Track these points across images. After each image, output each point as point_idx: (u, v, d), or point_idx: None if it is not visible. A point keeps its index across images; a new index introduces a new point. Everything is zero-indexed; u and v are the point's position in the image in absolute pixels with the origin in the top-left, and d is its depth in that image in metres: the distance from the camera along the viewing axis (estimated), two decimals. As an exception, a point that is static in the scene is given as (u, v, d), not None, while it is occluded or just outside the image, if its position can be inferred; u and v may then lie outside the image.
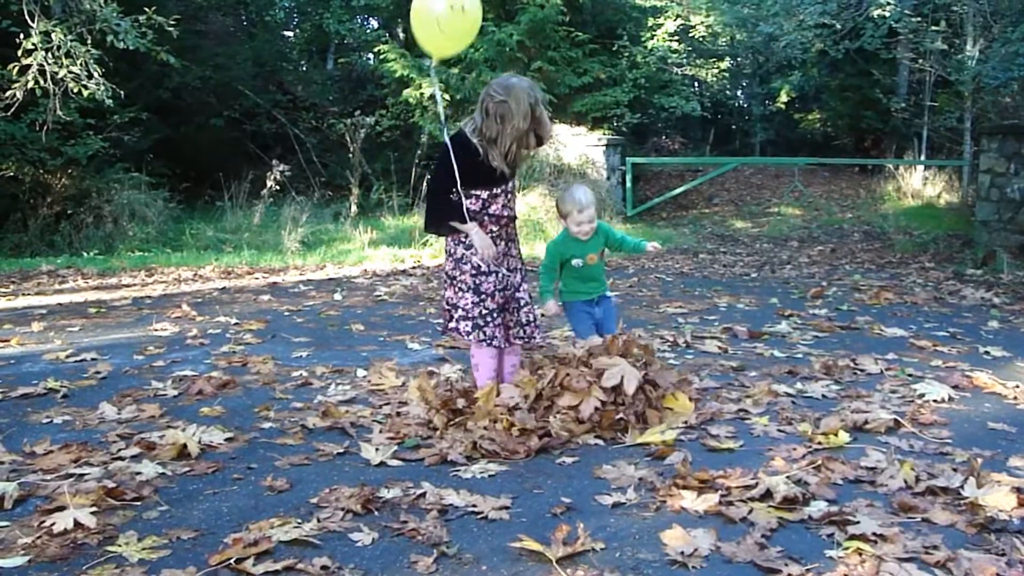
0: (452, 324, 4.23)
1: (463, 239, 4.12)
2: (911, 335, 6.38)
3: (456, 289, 4.18)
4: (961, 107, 15.18)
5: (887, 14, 12.32)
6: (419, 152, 16.49)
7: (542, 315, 4.71)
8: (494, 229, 4.15)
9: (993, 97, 12.95)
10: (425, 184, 4.22)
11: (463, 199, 4.07)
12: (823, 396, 4.60)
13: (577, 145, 15.18)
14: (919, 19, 14.50)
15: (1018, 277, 9.09)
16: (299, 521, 3.02)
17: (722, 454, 3.71)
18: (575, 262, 4.60)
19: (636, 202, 15.81)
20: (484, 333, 4.13)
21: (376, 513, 3.12)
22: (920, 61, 16.34)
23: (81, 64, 10.82)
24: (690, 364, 5.41)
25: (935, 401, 4.54)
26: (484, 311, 4.13)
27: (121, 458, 3.66)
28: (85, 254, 11.30)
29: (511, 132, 4.02)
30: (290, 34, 22.38)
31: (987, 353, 5.83)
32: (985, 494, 3.08)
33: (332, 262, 11.04)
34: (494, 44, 15.09)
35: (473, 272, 4.12)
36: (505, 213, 4.19)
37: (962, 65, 14.07)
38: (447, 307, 4.26)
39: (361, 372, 5.21)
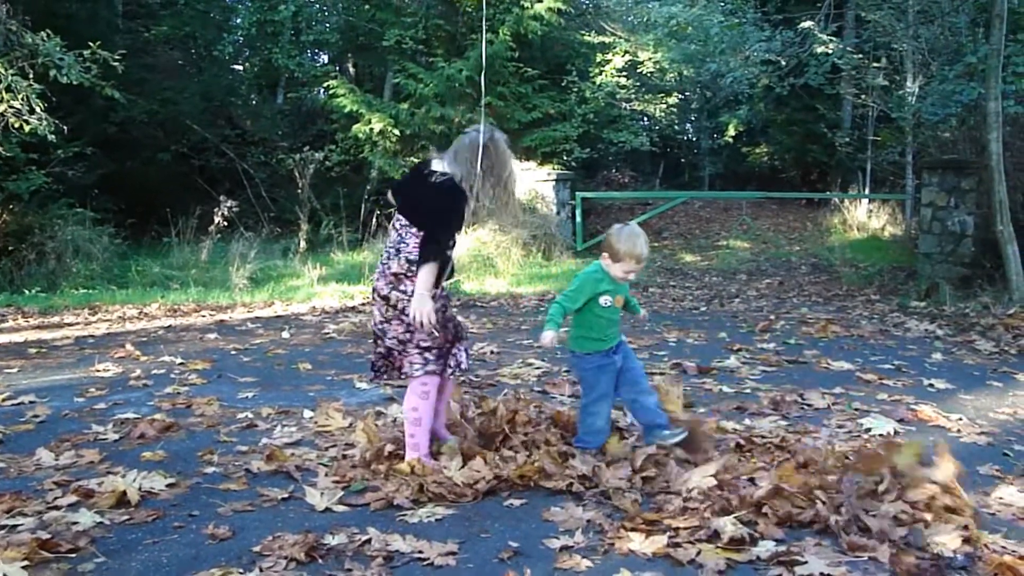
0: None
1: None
2: (857, 368, 6.46)
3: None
4: (903, 142, 15.50)
5: (830, 51, 12.57)
6: (368, 187, 16.46)
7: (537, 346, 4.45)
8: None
9: (933, 132, 13.25)
10: (433, 222, 3.71)
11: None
12: (771, 432, 4.61)
13: (527, 180, 15.24)
14: (861, 56, 14.84)
15: (960, 309, 9.26)
16: (241, 571, 2.96)
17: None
18: (604, 300, 4.08)
19: (586, 236, 15.89)
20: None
21: (320, 561, 3.06)
22: (863, 97, 16.69)
23: (23, 99, 10.66)
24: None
25: (881, 435, 4.59)
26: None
27: (57, 507, 3.55)
28: (26, 292, 11.06)
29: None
30: (239, 68, 22.27)
31: (931, 386, 5.91)
32: (932, 534, 3.10)
33: (280, 299, 10.93)
34: (444, 80, 15.15)
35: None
36: None
37: (903, 101, 14.40)
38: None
39: (308, 413, 5.13)
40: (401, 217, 4.02)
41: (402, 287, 3.92)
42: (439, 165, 4.04)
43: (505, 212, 4.18)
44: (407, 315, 3.86)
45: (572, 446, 4.07)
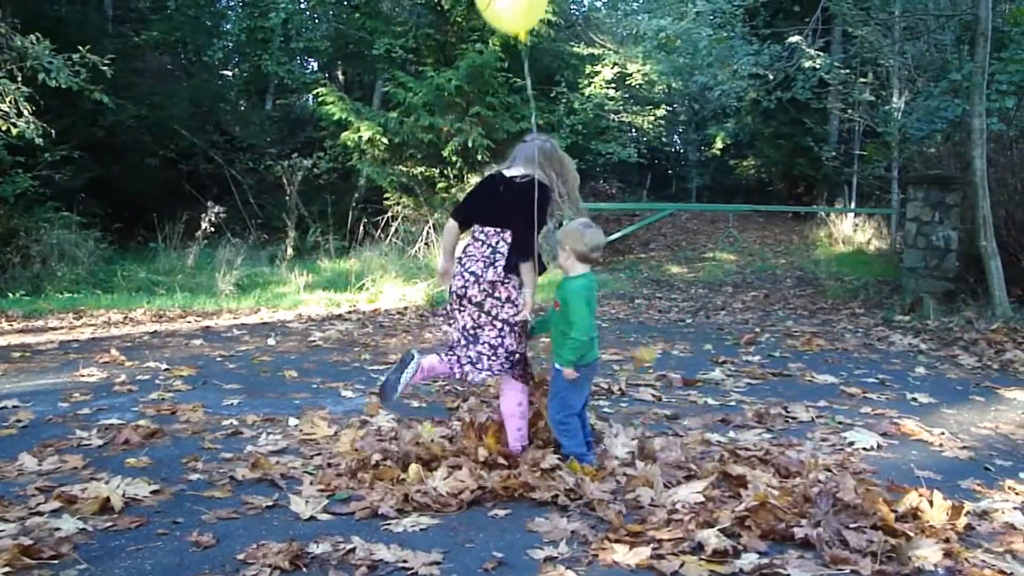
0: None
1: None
2: (841, 382, 6.49)
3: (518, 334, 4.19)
4: (888, 157, 15.62)
5: (817, 66, 12.66)
6: (357, 195, 16.46)
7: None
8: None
9: (918, 147, 13.36)
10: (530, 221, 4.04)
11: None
12: (755, 444, 4.63)
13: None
14: (848, 71, 14.95)
15: (943, 323, 9.32)
16: (224, 579, 2.95)
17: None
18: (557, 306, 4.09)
19: (574, 246, 15.86)
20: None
21: (304, 570, 3.05)
22: (849, 112, 16.82)
23: (10, 102, 10.62)
24: (624, 412, 5.43)
25: (864, 449, 4.62)
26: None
27: (40, 513, 3.53)
28: (10, 295, 10.99)
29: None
30: (229, 74, 22.26)
31: (914, 400, 5.95)
32: (913, 548, 3.12)
33: (267, 306, 10.91)
34: (433, 89, 15.17)
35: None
36: None
37: (889, 116, 14.51)
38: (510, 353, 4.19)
39: (293, 421, 5.12)
40: (487, 228, 4.18)
41: (496, 294, 4.12)
42: (516, 171, 4.20)
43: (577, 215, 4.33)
44: (499, 321, 4.11)
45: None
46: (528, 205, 4.03)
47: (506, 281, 4.10)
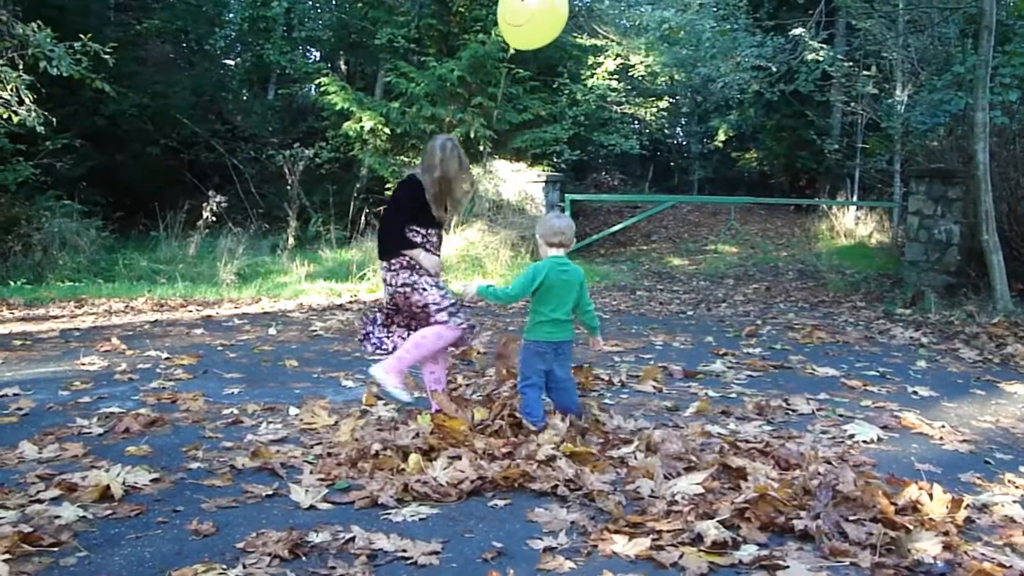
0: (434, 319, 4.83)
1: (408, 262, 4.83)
2: (842, 375, 6.49)
3: (420, 291, 4.82)
4: (891, 150, 15.57)
5: (820, 58, 12.62)
6: (358, 185, 16.44)
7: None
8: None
9: (921, 141, 13.32)
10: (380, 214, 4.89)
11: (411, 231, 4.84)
12: (755, 437, 4.63)
13: (517, 181, 15.24)
14: (851, 64, 14.90)
15: (945, 317, 9.31)
16: (224, 568, 2.95)
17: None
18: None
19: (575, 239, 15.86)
20: (459, 318, 4.83)
21: (304, 558, 3.06)
22: (852, 104, 16.75)
23: (11, 90, 10.60)
24: (625, 404, 5.43)
25: (864, 442, 4.61)
26: (451, 301, 4.88)
27: (40, 500, 3.54)
28: (12, 283, 11.01)
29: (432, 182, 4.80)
30: (231, 63, 22.19)
31: (915, 393, 5.94)
32: (912, 540, 3.12)
33: (268, 295, 10.91)
34: (435, 79, 15.14)
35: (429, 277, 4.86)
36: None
37: (892, 110, 14.46)
38: (417, 310, 4.88)
39: (293, 410, 5.13)
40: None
41: (389, 279, 4.97)
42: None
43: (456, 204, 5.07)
44: (400, 293, 4.93)
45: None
46: (391, 200, 4.92)
47: (389, 266, 4.84)
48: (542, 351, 4.48)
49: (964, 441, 4.71)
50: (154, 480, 3.84)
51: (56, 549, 3.09)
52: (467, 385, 5.63)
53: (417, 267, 4.82)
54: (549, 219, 4.63)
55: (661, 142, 27.93)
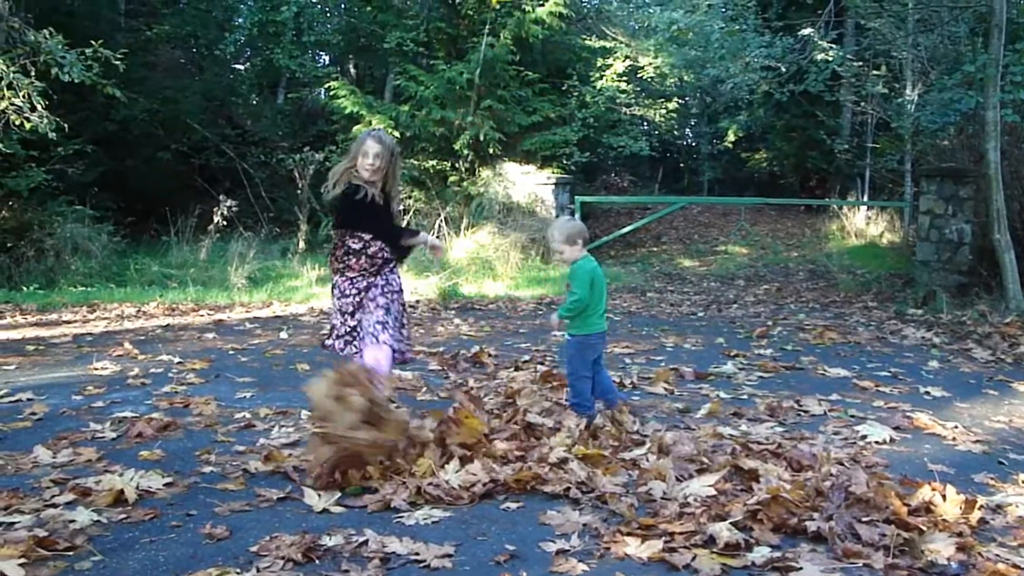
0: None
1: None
2: (854, 375, 6.47)
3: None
4: (901, 149, 15.54)
5: (830, 58, 12.60)
6: (369, 189, 16.43)
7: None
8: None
9: (932, 140, 13.29)
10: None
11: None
12: (767, 438, 4.62)
13: (526, 183, 15.26)
14: (861, 64, 14.87)
15: (956, 317, 9.27)
16: (238, 571, 2.95)
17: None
18: None
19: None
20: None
21: (317, 562, 3.06)
22: (862, 104, 16.72)
23: (24, 96, 10.66)
24: (637, 406, 5.42)
25: (877, 443, 4.60)
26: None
27: (54, 505, 3.55)
28: (25, 289, 11.07)
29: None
30: (241, 68, 22.26)
31: (927, 393, 5.93)
32: (926, 541, 3.11)
33: (279, 299, 10.94)
34: (444, 82, 15.17)
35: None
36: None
37: (902, 109, 14.43)
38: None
39: (305, 414, 5.13)
40: None
41: None
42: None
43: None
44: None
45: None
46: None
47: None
48: (593, 342, 4.70)
49: (977, 441, 4.69)
50: (167, 484, 3.85)
51: (71, 553, 3.10)
52: (479, 387, 5.64)
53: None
54: (566, 222, 4.82)
55: (671, 143, 27.90)
